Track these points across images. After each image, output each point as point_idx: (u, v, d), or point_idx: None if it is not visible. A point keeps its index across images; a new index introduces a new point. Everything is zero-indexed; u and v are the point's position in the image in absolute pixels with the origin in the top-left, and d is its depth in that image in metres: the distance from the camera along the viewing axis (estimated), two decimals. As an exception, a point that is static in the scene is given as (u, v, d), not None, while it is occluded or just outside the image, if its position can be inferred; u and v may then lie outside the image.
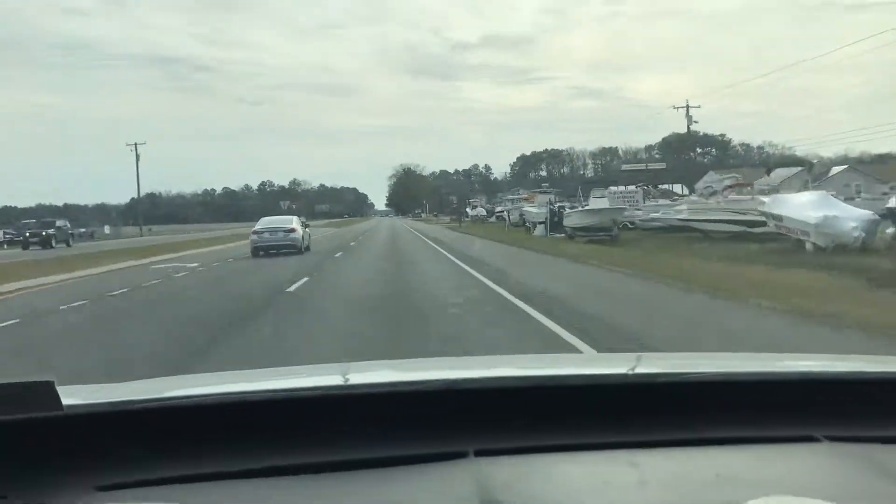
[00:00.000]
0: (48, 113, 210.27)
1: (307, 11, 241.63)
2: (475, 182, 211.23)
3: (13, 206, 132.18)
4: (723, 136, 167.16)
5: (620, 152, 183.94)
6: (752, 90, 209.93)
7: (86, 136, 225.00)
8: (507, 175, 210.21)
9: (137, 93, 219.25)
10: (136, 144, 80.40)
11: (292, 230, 28.73)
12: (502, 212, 76.79)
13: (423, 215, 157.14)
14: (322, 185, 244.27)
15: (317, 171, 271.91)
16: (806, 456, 1.21)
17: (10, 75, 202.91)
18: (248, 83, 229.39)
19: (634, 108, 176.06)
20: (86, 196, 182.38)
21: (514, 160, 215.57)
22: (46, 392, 1.08)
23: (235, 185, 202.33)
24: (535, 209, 46.39)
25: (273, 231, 28.78)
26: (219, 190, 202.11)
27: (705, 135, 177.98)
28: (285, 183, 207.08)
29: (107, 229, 73.72)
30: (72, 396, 1.17)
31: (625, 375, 1.46)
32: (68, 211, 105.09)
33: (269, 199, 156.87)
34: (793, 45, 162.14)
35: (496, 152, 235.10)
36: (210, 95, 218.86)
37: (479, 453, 1.19)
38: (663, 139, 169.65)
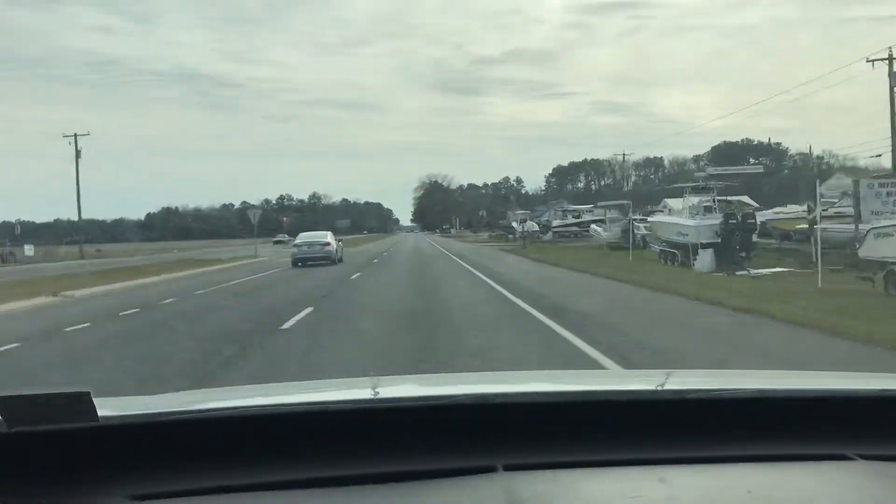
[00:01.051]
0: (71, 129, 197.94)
1: (332, 30, 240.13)
2: (507, 195, 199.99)
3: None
4: (778, 144, 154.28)
5: (666, 162, 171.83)
6: (778, 107, 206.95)
7: (109, 151, 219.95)
8: (542, 188, 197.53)
9: (162, 109, 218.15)
10: (75, 135, 63.26)
11: (327, 244, 32.54)
12: (568, 226, 61.00)
13: (452, 231, 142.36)
14: (345, 200, 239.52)
15: (341, 187, 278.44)
16: (838, 474, 1.19)
17: (37, 91, 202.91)
18: (273, 100, 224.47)
19: (659, 123, 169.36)
20: (104, 211, 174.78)
21: (550, 171, 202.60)
22: (83, 403, 1.10)
23: (255, 200, 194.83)
24: (689, 221, 25.42)
25: (311, 244, 32.42)
26: (237, 204, 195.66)
27: (759, 143, 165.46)
28: (305, 197, 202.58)
29: (28, 250, 59.49)
30: (107, 408, 1.19)
31: (654, 392, 1.44)
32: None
33: (278, 214, 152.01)
34: (820, 59, 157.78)
35: (522, 167, 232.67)
36: (236, 112, 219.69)
37: (508, 468, 1.20)
38: (713, 148, 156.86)
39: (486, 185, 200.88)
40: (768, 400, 1.41)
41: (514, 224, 75.81)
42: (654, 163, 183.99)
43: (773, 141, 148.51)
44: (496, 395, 1.42)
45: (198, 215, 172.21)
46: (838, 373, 2.37)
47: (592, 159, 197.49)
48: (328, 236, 34.19)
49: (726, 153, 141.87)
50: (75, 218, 68.74)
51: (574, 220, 68.49)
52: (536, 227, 72.22)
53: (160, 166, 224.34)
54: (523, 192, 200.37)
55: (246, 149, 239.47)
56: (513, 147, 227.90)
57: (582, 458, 1.21)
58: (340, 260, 33.22)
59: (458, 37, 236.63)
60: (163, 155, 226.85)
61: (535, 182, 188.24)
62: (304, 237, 34.39)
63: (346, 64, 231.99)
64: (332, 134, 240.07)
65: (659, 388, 1.47)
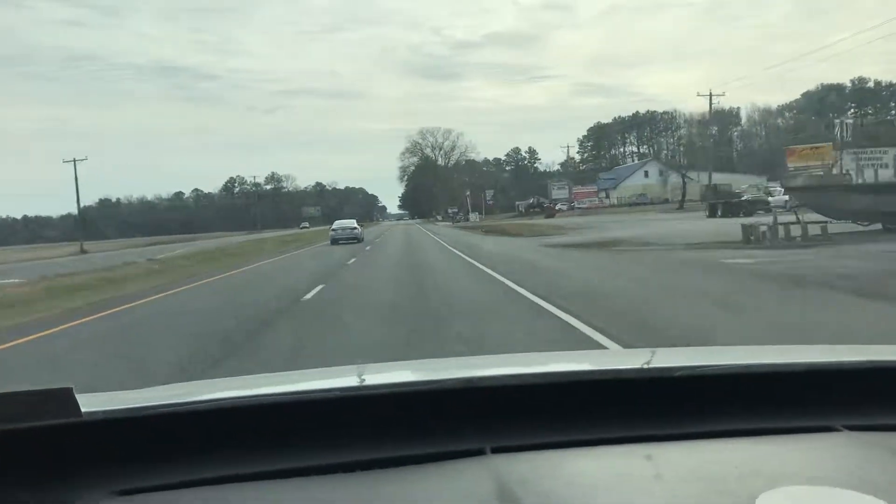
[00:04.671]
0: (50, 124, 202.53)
1: (307, 18, 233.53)
2: (511, 172, 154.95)
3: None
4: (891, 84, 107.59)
5: (743, 113, 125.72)
6: (763, 82, 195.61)
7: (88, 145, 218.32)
8: (577, 154, 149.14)
9: (139, 102, 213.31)
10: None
11: (355, 228, 43.48)
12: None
13: (468, 217, 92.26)
14: (318, 185, 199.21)
15: (325, 177, 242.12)
16: (824, 446, 1.21)
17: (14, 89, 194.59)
18: (252, 90, 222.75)
19: (642, 103, 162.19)
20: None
21: (585, 134, 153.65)
22: (65, 399, 1.11)
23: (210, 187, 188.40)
24: None
25: (343, 229, 42.93)
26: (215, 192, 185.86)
27: (863, 86, 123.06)
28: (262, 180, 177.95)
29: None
30: (90, 403, 1.20)
31: (640, 370, 1.45)
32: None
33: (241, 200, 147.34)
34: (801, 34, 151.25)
35: (507, 147, 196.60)
36: (215, 103, 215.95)
37: (496, 450, 1.21)
38: (803, 94, 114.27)
39: (487, 162, 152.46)
40: (754, 375, 1.42)
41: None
42: (724, 115, 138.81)
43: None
44: (482, 379, 1.44)
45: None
46: (823, 345, 2.43)
47: (648, 111, 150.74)
48: (354, 222, 45.95)
49: (823, 99, 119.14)
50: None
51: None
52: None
53: (140, 159, 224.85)
54: (535, 166, 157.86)
55: (228, 140, 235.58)
56: (498, 131, 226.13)
57: (569, 438, 1.23)
58: (362, 239, 42.62)
59: (435, 21, 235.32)
60: (143, 148, 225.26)
61: (548, 155, 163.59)
62: (338, 224, 44.94)
63: (325, 52, 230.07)
64: (314, 123, 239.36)
65: (645, 366, 1.46)
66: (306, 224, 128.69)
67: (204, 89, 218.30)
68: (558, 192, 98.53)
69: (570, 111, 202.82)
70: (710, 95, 67.71)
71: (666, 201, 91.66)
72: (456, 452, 1.19)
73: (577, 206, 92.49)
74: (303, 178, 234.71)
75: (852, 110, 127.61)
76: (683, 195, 70.62)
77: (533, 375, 1.51)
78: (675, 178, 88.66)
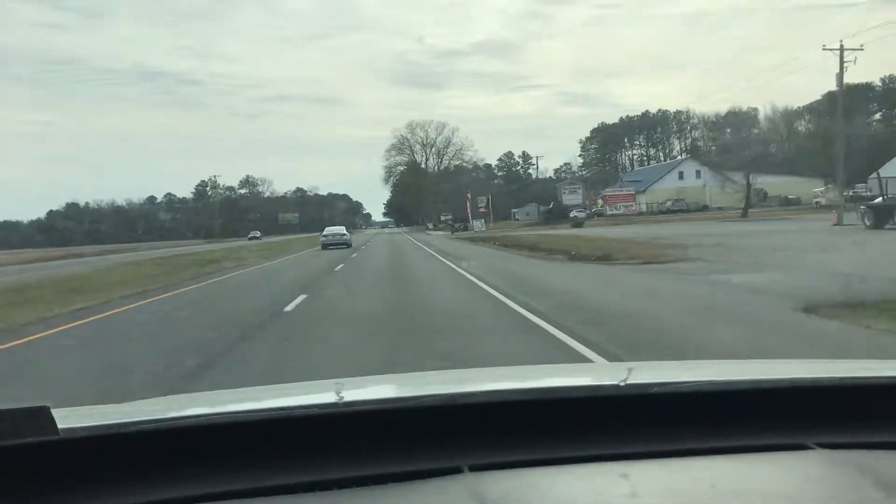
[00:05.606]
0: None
1: (290, 23, 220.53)
2: (503, 178, 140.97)
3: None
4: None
5: (761, 115, 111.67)
6: (744, 91, 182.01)
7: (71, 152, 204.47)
8: (580, 158, 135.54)
9: (121, 106, 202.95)
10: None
11: (345, 234, 47.16)
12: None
13: (467, 226, 76.72)
14: (299, 190, 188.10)
15: (305, 183, 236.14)
16: (797, 464, 1.22)
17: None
18: (235, 96, 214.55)
19: (624, 112, 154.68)
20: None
21: (588, 134, 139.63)
22: (42, 417, 1.10)
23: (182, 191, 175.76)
24: None
25: (334, 235, 46.51)
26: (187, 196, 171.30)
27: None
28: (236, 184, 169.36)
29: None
30: (67, 420, 1.20)
31: (617, 386, 1.44)
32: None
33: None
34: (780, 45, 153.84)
35: (493, 160, 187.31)
36: (199, 109, 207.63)
37: (474, 468, 1.20)
38: (827, 94, 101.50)
39: (477, 168, 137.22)
40: (728, 392, 1.42)
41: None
42: (737, 116, 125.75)
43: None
44: (463, 395, 1.43)
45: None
46: (798, 360, 2.37)
47: (660, 111, 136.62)
48: (344, 229, 49.62)
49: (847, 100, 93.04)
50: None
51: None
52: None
53: (119, 164, 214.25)
54: (529, 172, 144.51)
55: (209, 146, 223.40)
56: (482, 140, 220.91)
57: (546, 456, 1.22)
58: (350, 245, 44.63)
59: (420, 29, 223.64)
60: (122, 153, 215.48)
61: (540, 163, 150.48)
62: (328, 231, 48.65)
63: (309, 58, 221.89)
64: (297, 129, 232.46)
65: (622, 383, 1.44)
66: (256, 234, 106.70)
67: (186, 94, 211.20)
68: (570, 198, 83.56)
69: (555, 120, 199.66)
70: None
71: (705, 207, 77.53)
72: (435, 470, 1.18)
73: (607, 212, 77.44)
74: (284, 184, 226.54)
75: (880, 113, 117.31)
76: (748, 200, 56.18)
77: (510, 392, 1.50)
78: (712, 182, 74.72)
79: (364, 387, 1.87)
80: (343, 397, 1.45)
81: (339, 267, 23.97)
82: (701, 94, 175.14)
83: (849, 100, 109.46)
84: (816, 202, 65.54)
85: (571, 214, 70.92)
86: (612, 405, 1.38)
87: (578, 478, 1.17)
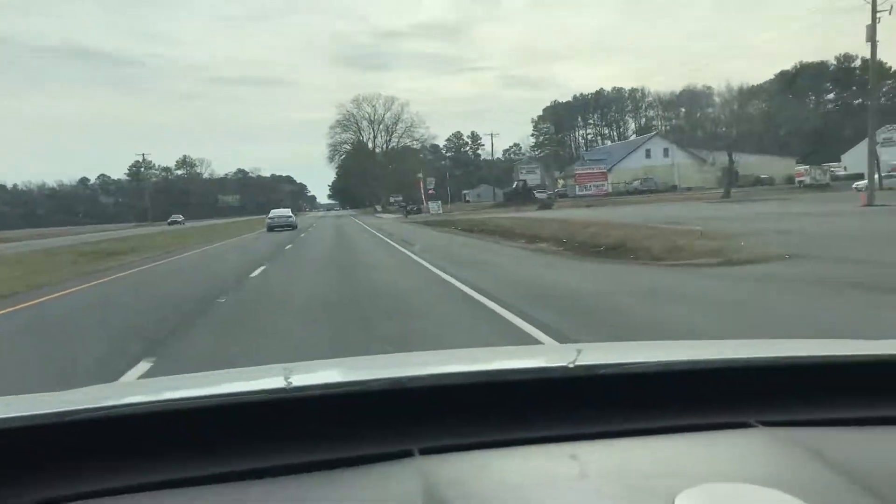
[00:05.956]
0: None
1: (233, 4, 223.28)
2: (451, 159, 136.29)
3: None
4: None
5: (715, 94, 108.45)
6: (685, 74, 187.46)
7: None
8: (532, 138, 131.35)
9: (51, 87, 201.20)
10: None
11: (290, 217, 49.65)
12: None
13: (420, 209, 70.52)
14: (240, 171, 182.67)
15: (248, 165, 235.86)
16: (741, 442, 1.24)
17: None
18: (175, 77, 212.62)
19: (568, 95, 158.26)
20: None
21: (541, 113, 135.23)
22: None
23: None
24: None
25: (279, 217, 48.53)
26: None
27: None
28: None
29: None
30: (7, 408, 1.20)
31: (565, 368, 1.45)
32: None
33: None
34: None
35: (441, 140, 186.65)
36: (135, 89, 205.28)
37: (424, 451, 1.21)
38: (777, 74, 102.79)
39: (425, 149, 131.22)
40: (674, 372, 1.45)
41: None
42: (689, 97, 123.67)
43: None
44: (410, 379, 1.42)
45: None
46: (743, 341, 2.36)
47: (614, 89, 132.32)
48: (289, 211, 52.79)
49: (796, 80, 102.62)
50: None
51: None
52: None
53: (52, 145, 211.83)
54: (477, 153, 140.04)
55: (147, 127, 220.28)
56: (430, 122, 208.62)
57: (497, 438, 1.24)
58: (296, 226, 47.80)
59: (363, 9, 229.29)
60: (55, 134, 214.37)
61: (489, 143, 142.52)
62: (273, 213, 50.29)
63: (250, 40, 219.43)
64: (239, 111, 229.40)
65: (570, 365, 1.45)
66: (178, 218, 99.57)
67: (122, 74, 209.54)
68: (528, 178, 78.47)
69: (501, 103, 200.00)
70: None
71: (674, 187, 73.13)
72: (384, 455, 1.19)
73: (577, 192, 72.29)
74: (225, 166, 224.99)
75: (833, 93, 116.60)
76: (730, 179, 51.60)
77: (459, 375, 1.49)
78: (682, 160, 70.37)
79: (313, 371, 1.82)
80: (291, 382, 1.44)
81: (222, 299, 17.48)
82: (645, 77, 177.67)
83: (804, 79, 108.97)
84: (800, 181, 61.79)
85: (545, 194, 65.64)
86: (561, 387, 1.39)
87: (528, 459, 1.18)
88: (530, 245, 19.57)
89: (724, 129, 56.22)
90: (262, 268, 16.97)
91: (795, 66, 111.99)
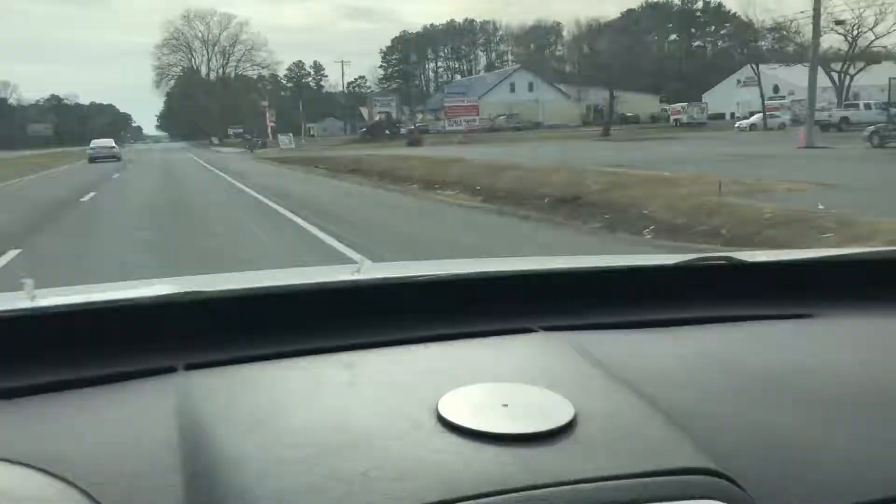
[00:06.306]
0: None
1: None
2: (292, 91, 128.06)
3: None
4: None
5: (565, 30, 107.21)
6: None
7: None
8: (380, 70, 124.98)
9: None
10: None
11: (114, 147, 51.11)
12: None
13: (266, 143, 62.50)
14: (54, 97, 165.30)
15: (62, 91, 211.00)
16: (518, 346, 1.27)
17: None
18: None
19: (403, 28, 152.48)
20: None
21: (389, 44, 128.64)
22: None
23: None
24: None
25: (102, 148, 49.64)
26: None
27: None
28: None
29: None
30: None
31: (351, 281, 1.45)
32: None
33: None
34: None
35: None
36: None
37: (190, 366, 1.16)
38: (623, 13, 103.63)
39: (263, 77, 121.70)
40: (461, 282, 1.47)
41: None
42: (543, 30, 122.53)
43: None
44: (174, 295, 1.37)
45: None
46: (541, 257, 2.42)
47: (467, 20, 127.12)
48: (112, 142, 53.33)
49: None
50: None
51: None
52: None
53: None
54: (322, 83, 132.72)
55: None
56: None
57: (273, 351, 1.19)
58: (120, 158, 48.94)
59: None
60: None
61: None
62: (95, 143, 51.04)
63: None
64: (49, 32, 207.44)
65: (352, 277, 1.45)
66: None
67: None
68: (384, 111, 72.59)
69: (338, 35, 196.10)
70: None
71: (538, 125, 69.56)
72: (144, 371, 1.13)
73: (449, 129, 66.84)
74: (35, 91, 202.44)
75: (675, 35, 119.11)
76: (611, 116, 48.15)
77: (235, 291, 1.43)
78: (547, 96, 66.84)
79: (75, 293, 1.64)
80: (50, 302, 1.33)
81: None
82: (490, 10, 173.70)
83: (648, 19, 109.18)
84: (676, 120, 59.78)
85: (411, 129, 59.88)
86: (344, 299, 1.38)
87: (301, 369, 1.15)
88: (469, 201, 14.19)
89: (575, 66, 52.82)
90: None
91: (641, 6, 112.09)
